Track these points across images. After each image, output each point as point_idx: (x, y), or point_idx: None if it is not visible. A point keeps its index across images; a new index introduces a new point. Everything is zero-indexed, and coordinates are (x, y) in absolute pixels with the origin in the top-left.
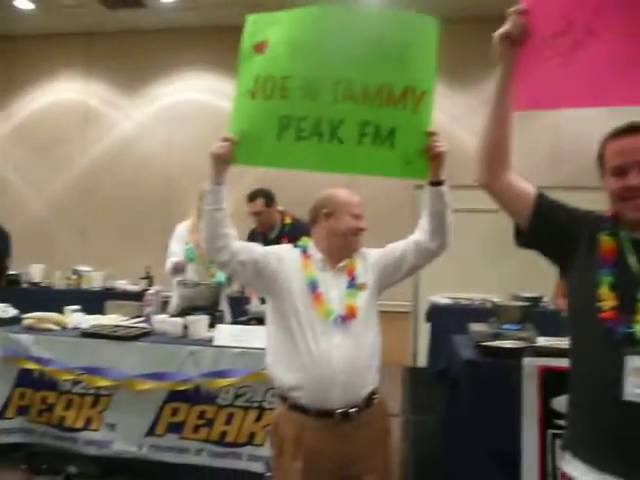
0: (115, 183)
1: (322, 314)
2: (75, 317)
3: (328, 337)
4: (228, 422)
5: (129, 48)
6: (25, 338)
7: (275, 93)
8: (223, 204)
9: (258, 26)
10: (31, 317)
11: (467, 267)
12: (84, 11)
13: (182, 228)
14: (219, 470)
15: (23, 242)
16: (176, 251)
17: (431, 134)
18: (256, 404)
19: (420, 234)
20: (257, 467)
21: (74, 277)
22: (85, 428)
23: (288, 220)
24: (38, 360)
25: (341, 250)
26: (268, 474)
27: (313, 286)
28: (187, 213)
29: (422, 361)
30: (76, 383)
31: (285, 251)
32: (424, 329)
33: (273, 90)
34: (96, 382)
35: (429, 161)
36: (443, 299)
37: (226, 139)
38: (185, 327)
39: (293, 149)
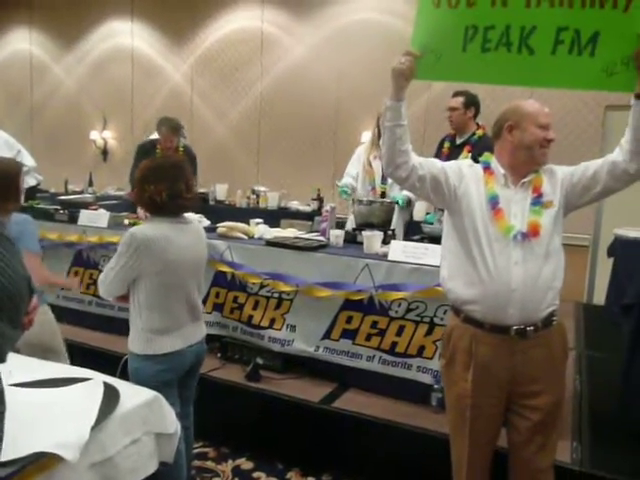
0: (288, 108)
1: (502, 230)
2: (260, 228)
3: (507, 253)
4: (399, 334)
5: None
6: (219, 244)
7: (461, 0)
8: (403, 120)
9: None
10: (223, 226)
11: None
12: None
13: (360, 150)
14: (388, 377)
15: (209, 163)
16: (351, 172)
17: None
18: (427, 319)
19: (619, 153)
20: (425, 378)
21: (253, 196)
22: (270, 327)
23: (480, 132)
24: (230, 264)
25: (526, 164)
26: (436, 386)
27: (493, 202)
28: (355, 137)
29: (599, 299)
30: (262, 286)
31: (466, 167)
32: (604, 265)
33: None
34: (279, 287)
35: (638, 70)
36: (633, 232)
37: (408, 53)
38: (359, 242)
39: (479, 62)
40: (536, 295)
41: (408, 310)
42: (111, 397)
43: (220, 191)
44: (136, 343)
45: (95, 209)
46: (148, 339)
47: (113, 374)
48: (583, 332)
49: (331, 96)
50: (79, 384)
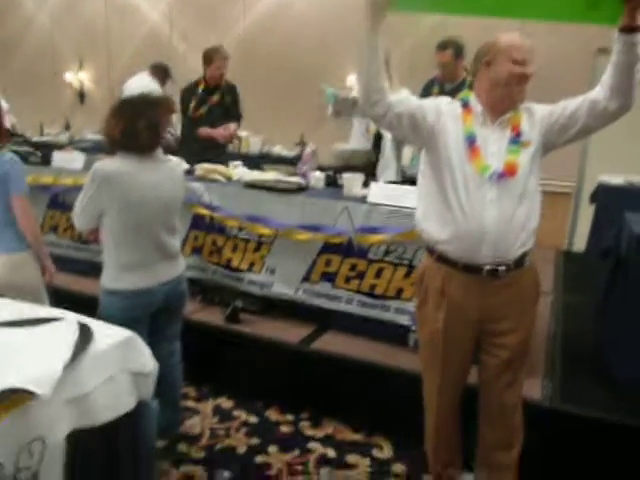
0: (272, 48)
1: (478, 169)
2: (239, 171)
3: (482, 193)
4: (378, 276)
5: None
6: (197, 186)
7: None
8: (380, 56)
9: None
10: (201, 168)
11: None
12: None
13: None
14: (367, 319)
15: None
16: None
17: None
18: (406, 261)
19: (600, 91)
20: (403, 319)
21: (235, 141)
22: (249, 270)
23: (470, 78)
24: (208, 207)
25: (503, 101)
26: (413, 327)
27: (470, 140)
28: (341, 79)
29: (579, 247)
30: (241, 229)
31: (444, 104)
32: (586, 212)
33: None
34: (258, 229)
35: (623, 2)
36: (616, 179)
37: None
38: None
39: None
40: (509, 235)
41: (387, 252)
42: (85, 335)
43: None
44: (105, 278)
45: (69, 151)
46: (115, 275)
47: (93, 316)
48: (562, 278)
49: (316, 35)
50: (52, 323)
